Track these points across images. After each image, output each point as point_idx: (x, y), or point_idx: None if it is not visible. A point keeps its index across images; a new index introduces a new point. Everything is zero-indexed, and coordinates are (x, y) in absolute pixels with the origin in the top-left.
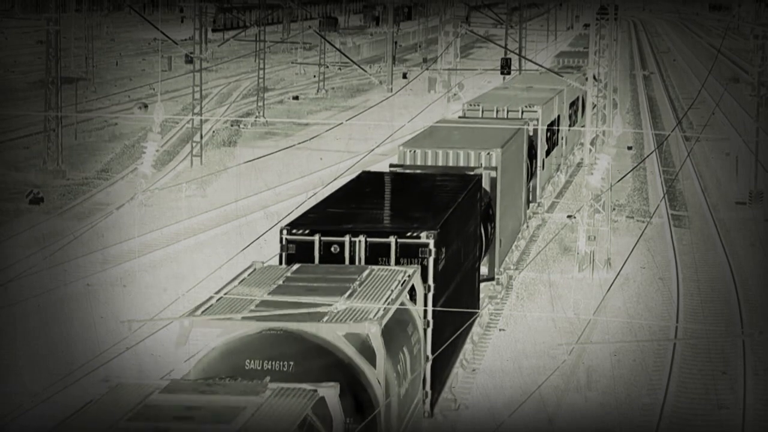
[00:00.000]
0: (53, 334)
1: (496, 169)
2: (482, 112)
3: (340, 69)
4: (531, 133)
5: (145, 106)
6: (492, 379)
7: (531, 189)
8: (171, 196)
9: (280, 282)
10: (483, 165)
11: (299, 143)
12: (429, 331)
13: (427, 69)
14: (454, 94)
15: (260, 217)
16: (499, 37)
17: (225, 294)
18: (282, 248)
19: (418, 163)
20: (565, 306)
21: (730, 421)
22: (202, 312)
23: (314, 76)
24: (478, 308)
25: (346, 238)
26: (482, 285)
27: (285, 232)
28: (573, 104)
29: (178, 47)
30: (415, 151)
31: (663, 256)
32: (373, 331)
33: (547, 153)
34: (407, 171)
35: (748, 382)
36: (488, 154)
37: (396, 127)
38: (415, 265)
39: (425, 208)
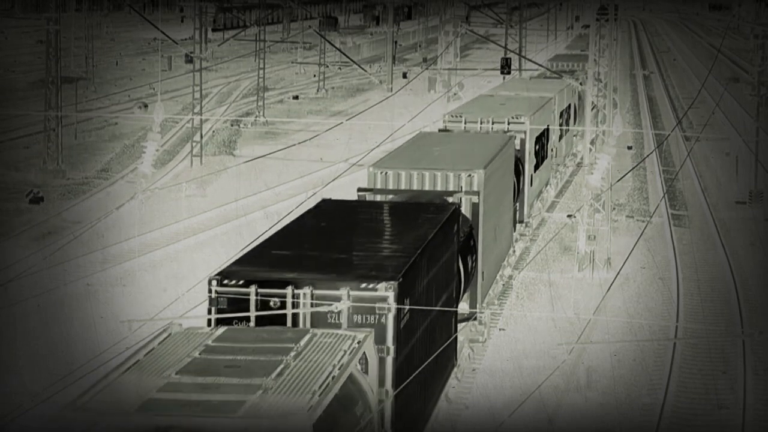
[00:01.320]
0: (53, 334)
1: (478, 194)
2: (465, 123)
3: (340, 69)
4: (518, 147)
5: (145, 106)
6: (492, 379)
7: (518, 208)
8: (171, 196)
9: (196, 354)
10: (463, 188)
11: (299, 143)
12: (388, 404)
13: (427, 69)
14: (454, 94)
15: (260, 217)
16: (499, 37)
17: (120, 374)
18: (210, 302)
19: (390, 186)
20: (565, 306)
21: (730, 421)
22: (84, 399)
23: (314, 76)
24: (455, 358)
25: (288, 291)
26: (462, 325)
27: (215, 283)
28: (564, 112)
29: (178, 47)
30: (386, 173)
31: (663, 255)
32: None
33: (536, 167)
34: (376, 198)
35: (748, 382)
36: (469, 175)
37: (396, 127)
38: (368, 330)
39: (390, 247)
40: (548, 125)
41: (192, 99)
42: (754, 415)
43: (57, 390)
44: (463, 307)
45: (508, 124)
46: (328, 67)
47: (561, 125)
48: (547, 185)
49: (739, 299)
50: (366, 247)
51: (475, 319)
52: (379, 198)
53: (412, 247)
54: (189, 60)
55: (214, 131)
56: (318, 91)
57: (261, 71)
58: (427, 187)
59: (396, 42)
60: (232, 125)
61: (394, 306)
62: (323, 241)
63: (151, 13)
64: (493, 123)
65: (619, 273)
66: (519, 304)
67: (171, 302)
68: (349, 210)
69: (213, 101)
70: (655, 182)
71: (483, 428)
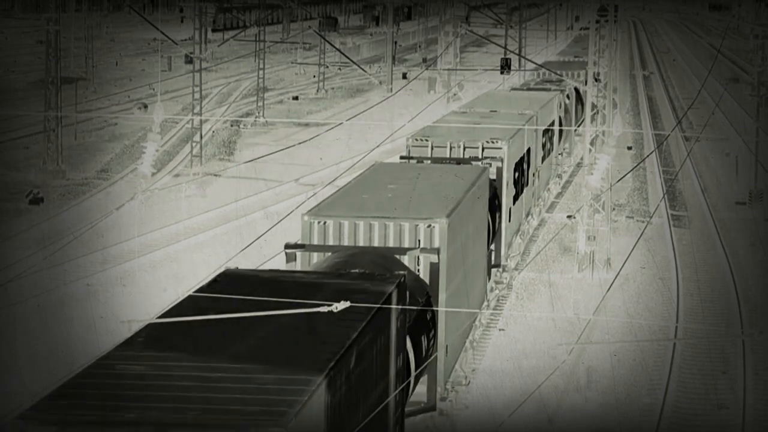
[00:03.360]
0: (53, 334)
1: (437, 252)
2: (431, 149)
3: (339, 69)
4: (494, 176)
5: (145, 106)
6: (492, 379)
7: (494, 249)
8: (171, 197)
9: None
10: (421, 242)
11: (299, 143)
12: None
13: (426, 69)
14: (454, 94)
15: (260, 217)
16: (499, 38)
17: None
18: None
19: (330, 242)
20: (565, 306)
21: (730, 421)
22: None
23: (314, 76)
24: None
25: None
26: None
27: None
28: (548, 130)
29: (178, 47)
30: (325, 222)
31: (663, 256)
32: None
33: (515, 198)
34: (307, 258)
35: (748, 382)
36: (429, 226)
37: (396, 127)
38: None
39: (302, 351)
40: (529, 147)
41: (192, 99)
42: (754, 415)
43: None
44: (420, 393)
45: (483, 149)
46: (327, 67)
47: (544, 145)
48: (528, 216)
49: (739, 299)
50: (262, 353)
51: (434, 409)
52: (315, 256)
53: (335, 351)
54: (189, 60)
55: (213, 132)
56: (318, 91)
57: (261, 72)
58: (376, 241)
59: (396, 42)
60: (232, 126)
61: None
62: (200, 349)
63: (150, 13)
64: (464, 148)
65: (619, 273)
66: (519, 304)
67: (171, 302)
68: (255, 285)
69: (213, 102)
70: (654, 183)
71: (483, 428)
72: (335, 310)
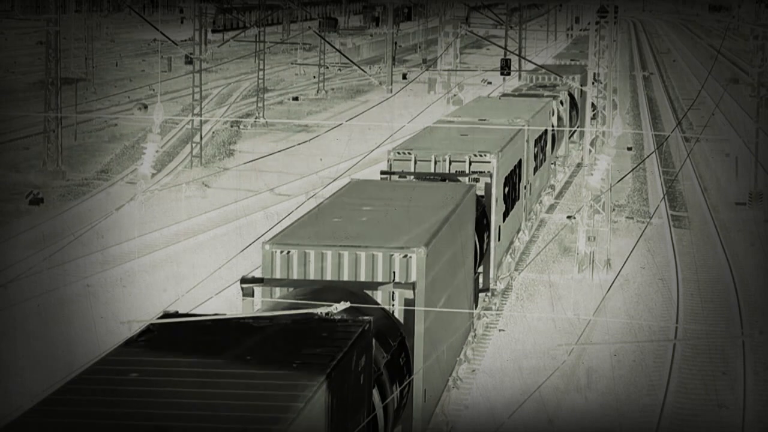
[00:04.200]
0: (53, 335)
1: (413, 287)
2: (414, 163)
3: (339, 70)
4: (482, 192)
5: (145, 107)
6: (492, 379)
7: (482, 272)
8: (171, 197)
9: None
10: (396, 275)
11: (299, 144)
12: None
13: (426, 70)
14: (454, 95)
15: (260, 218)
16: (499, 39)
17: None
18: None
19: (294, 271)
20: (565, 306)
21: (730, 421)
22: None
23: (314, 77)
24: None
25: None
26: None
27: None
28: (540, 139)
29: (177, 48)
30: (289, 253)
31: (663, 256)
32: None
33: (505, 215)
34: (268, 292)
35: (748, 382)
36: (405, 256)
37: (396, 128)
38: None
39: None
40: (520, 158)
41: (192, 100)
42: (754, 415)
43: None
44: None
45: (470, 163)
46: (327, 68)
47: (537, 155)
48: (519, 232)
49: (739, 300)
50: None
51: None
52: (277, 291)
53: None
54: (189, 61)
55: (214, 132)
56: (318, 92)
57: (261, 72)
58: (345, 274)
59: (396, 43)
60: (232, 126)
61: None
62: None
63: (150, 14)
64: (450, 162)
65: (618, 274)
66: (519, 304)
67: (171, 302)
68: (186, 342)
69: (213, 102)
70: (654, 183)
71: (483, 428)
72: (335, 311)
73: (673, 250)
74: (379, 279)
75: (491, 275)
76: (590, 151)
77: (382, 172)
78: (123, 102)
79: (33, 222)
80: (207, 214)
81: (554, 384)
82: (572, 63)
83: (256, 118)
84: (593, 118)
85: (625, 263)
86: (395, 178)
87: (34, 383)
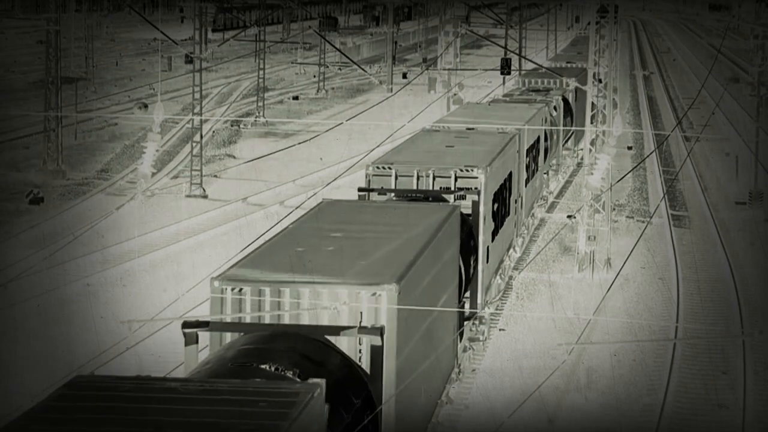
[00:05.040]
0: (53, 334)
1: (381, 332)
2: (395, 179)
3: (340, 69)
4: (469, 211)
5: (145, 106)
6: (492, 379)
7: (468, 298)
8: (171, 196)
9: None
10: (363, 318)
11: (299, 143)
12: None
13: (427, 69)
14: (454, 95)
15: (260, 217)
16: (499, 38)
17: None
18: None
19: (246, 313)
20: (565, 306)
21: (730, 421)
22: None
23: (314, 76)
24: None
25: None
26: None
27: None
28: (532, 148)
29: (178, 47)
30: (241, 290)
31: (663, 256)
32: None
33: (495, 233)
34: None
35: (748, 382)
36: (374, 294)
37: (396, 127)
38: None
39: None
40: (511, 171)
41: (192, 99)
42: (754, 415)
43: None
44: None
45: (456, 178)
46: (328, 67)
47: (528, 166)
48: (509, 249)
49: (739, 299)
50: None
51: None
52: (228, 337)
53: None
54: (189, 60)
55: (214, 132)
56: (318, 91)
57: (261, 72)
58: (305, 316)
59: (396, 42)
60: (232, 126)
61: None
62: None
63: (150, 13)
64: (434, 178)
65: (619, 273)
66: (519, 304)
67: (171, 302)
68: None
69: (213, 102)
70: (655, 183)
71: (483, 428)
72: (336, 311)
73: (673, 249)
74: (344, 321)
75: (479, 301)
76: (590, 150)
77: (360, 189)
78: (123, 101)
79: (33, 221)
80: (207, 213)
81: (554, 384)
82: (568, 65)
83: (256, 118)
84: (591, 122)
85: (625, 263)
86: (374, 195)
87: (34, 383)
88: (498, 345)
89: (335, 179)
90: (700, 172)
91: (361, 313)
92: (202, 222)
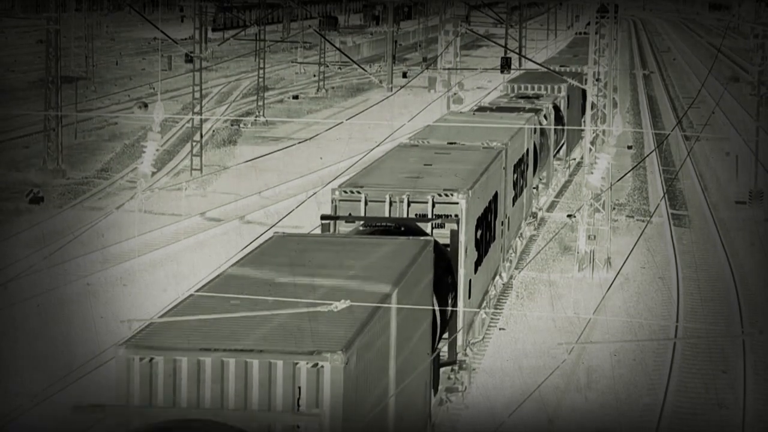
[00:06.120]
0: (53, 334)
1: (318, 420)
2: (365, 204)
3: (340, 68)
4: (446, 240)
5: (145, 106)
6: (492, 379)
7: (446, 338)
8: (171, 196)
9: None
10: (302, 394)
11: (299, 143)
12: None
13: (427, 68)
14: (454, 94)
15: (260, 217)
16: (499, 37)
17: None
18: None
19: (159, 395)
20: (565, 305)
21: (730, 421)
22: None
23: (314, 76)
24: None
25: None
26: None
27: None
28: (520, 162)
29: (178, 46)
30: (152, 360)
31: (663, 255)
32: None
33: (478, 263)
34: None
35: (749, 382)
36: (315, 366)
37: (396, 127)
38: None
39: None
40: (497, 191)
41: (192, 99)
42: (754, 415)
43: (57, 390)
44: None
45: (433, 204)
46: (328, 66)
47: (516, 183)
48: (495, 277)
49: (739, 299)
50: None
51: None
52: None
53: None
54: (189, 60)
55: (214, 131)
56: (318, 90)
57: (261, 71)
58: (230, 395)
59: (396, 41)
60: (232, 125)
61: None
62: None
63: (151, 12)
64: (409, 203)
65: (619, 273)
66: (519, 303)
67: (171, 302)
68: None
69: (213, 101)
70: (655, 182)
71: (483, 428)
72: (335, 309)
73: (673, 248)
74: (279, 399)
75: (459, 342)
76: (590, 149)
77: (323, 217)
78: (123, 100)
79: (33, 221)
80: (207, 213)
81: (554, 383)
82: (562, 69)
83: (256, 117)
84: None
85: (625, 262)
86: (341, 225)
87: (34, 383)
88: (498, 345)
89: (335, 178)
90: (700, 171)
91: (299, 389)
92: (202, 221)
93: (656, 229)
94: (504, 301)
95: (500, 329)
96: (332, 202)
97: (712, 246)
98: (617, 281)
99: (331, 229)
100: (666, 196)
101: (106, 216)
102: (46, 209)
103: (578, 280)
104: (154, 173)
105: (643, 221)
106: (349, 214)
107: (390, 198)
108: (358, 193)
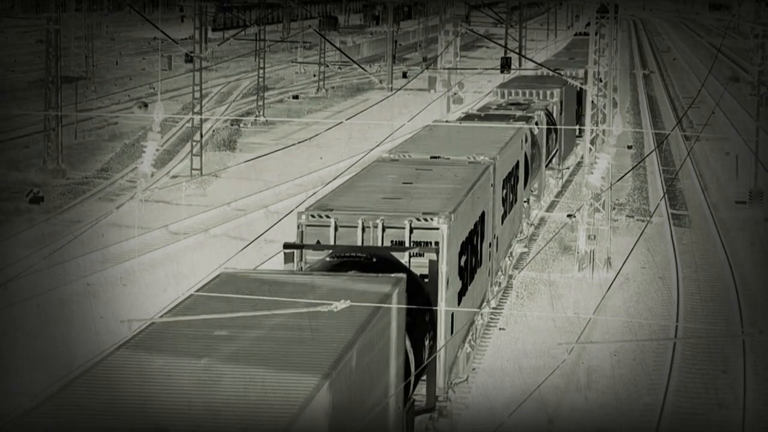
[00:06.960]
0: (53, 334)
1: None
2: (335, 230)
3: (340, 68)
4: (425, 271)
5: (145, 106)
6: (492, 379)
7: (425, 381)
8: (171, 196)
9: None
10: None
11: (299, 142)
12: None
13: (427, 68)
14: (455, 94)
15: (260, 217)
16: (499, 37)
17: None
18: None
19: None
20: (565, 305)
21: (730, 421)
22: None
23: (314, 76)
24: None
25: None
26: None
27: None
28: (510, 176)
29: (178, 46)
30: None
31: (663, 255)
32: None
33: (462, 293)
34: None
35: (748, 382)
36: None
37: (396, 127)
38: None
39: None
40: (483, 211)
41: (192, 98)
42: (754, 415)
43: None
44: None
45: (411, 230)
46: (328, 66)
47: (506, 198)
48: (483, 304)
49: (739, 299)
50: None
51: None
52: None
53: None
54: (189, 59)
55: (214, 131)
56: (318, 90)
57: (261, 71)
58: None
59: (396, 41)
60: (232, 125)
61: None
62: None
63: (151, 12)
64: (384, 228)
65: (619, 273)
66: (519, 303)
67: (171, 302)
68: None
69: (213, 101)
70: (655, 182)
71: (483, 428)
72: (335, 310)
73: (673, 248)
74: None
75: (440, 385)
76: (590, 149)
77: (286, 246)
78: (123, 100)
79: (33, 220)
80: (207, 212)
81: (554, 383)
82: (556, 73)
83: (256, 117)
84: (579, 136)
85: (625, 262)
86: (308, 253)
87: (34, 383)
88: (498, 345)
89: (335, 178)
90: (700, 171)
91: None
92: (202, 221)
93: (656, 229)
94: (504, 301)
95: (500, 329)
96: (298, 228)
97: (712, 246)
98: (617, 281)
99: (295, 260)
100: (666, 196)
101: (105, 216)
102: (46, 209)
103: (578, 280)
104: (154, 173)
105: (643, 221)
106: (318, 242)
107: (363, 223)
108: (327, 217)
